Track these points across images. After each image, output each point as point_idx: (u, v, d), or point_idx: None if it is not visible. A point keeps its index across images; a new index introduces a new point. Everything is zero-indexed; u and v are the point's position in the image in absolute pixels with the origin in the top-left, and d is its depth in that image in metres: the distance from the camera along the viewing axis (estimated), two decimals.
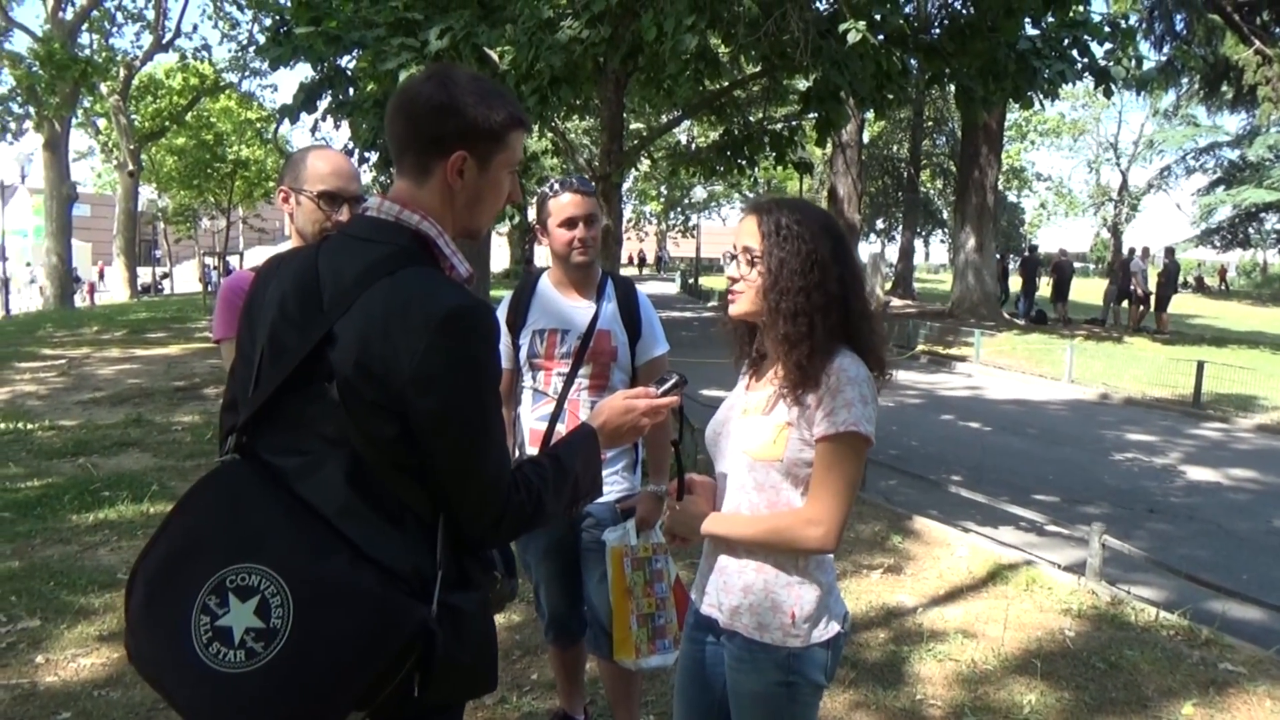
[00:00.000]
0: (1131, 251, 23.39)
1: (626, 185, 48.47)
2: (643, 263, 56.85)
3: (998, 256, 24.73)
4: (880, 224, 39.19)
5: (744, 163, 9.57)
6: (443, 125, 1.43)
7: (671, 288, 39.65)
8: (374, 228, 1.45)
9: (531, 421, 2.82)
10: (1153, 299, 20.60)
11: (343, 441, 1.35)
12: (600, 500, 2.71)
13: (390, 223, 1.45)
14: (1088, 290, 23.60)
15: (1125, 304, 21.16)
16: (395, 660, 1.29)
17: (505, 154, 1.49)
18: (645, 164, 30.84)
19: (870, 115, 19.70)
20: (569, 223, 2.75)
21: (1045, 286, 23.33)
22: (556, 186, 2.78)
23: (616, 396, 1.73)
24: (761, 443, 1.84)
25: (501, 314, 2.90)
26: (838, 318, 1.80)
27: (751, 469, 1.86)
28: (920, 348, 17.63)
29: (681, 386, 1.80)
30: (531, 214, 2.96)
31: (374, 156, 8.05)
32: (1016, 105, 7.82)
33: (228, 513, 1.33)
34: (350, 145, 8.16)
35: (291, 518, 1.32)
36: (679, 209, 55.09)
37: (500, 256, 42.85)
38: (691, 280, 37.52)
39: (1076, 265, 23.70)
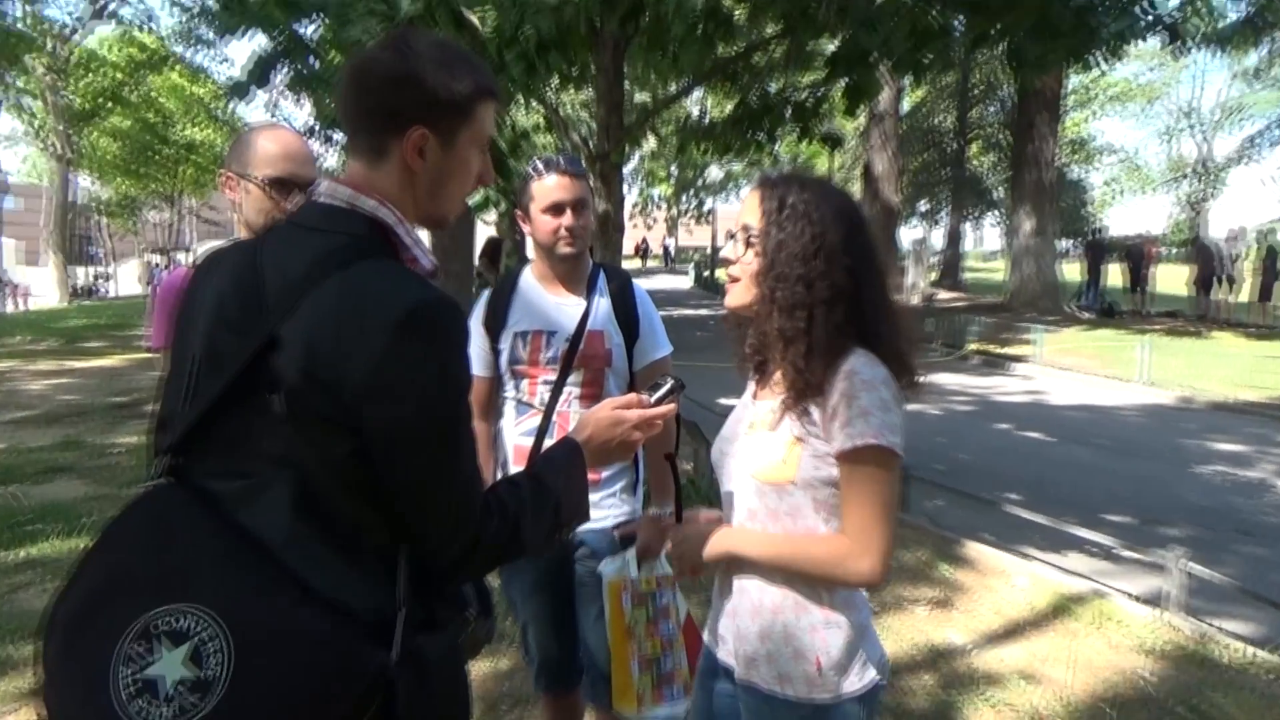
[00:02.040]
0: (1202, 234, 23.29)
1: (630, 165, 48.60)
2: (644, 253, 56.22)
3: (1081, 241, 24.61)
4: (924, 205, 39.12)
5: (763, 137, 9.57)
6: (399, 98, 1.43)
7: (683, 282, 39.66)
8: (324, 216, 1.46)
9: (515, 437, 2.82)
10: (1247, 286, 20.49)
11: (289, 462, 1.35)
12: (596, 526, 2.71)
13: (342, 209, 1.45)
14: (1164, 278, 23.50)
15: (1216, 292, 21.03)
16: (351, 714, 1.28)
17: (472, 129, 1.49)
18: (651, 141, 30.91)
19: (908, 81, 19.68)
20: (554, 208, 2.75)
21: (1119, 274, 23.22)
22: (540, 166, 2.78)
23: (603, 407, 1.73)
24: (769, 463, 1.83)
25: (478, 314, 2.90)
26: (846, 314, 1.79)
27: (761, 494, 1.85)
28: (971, 347, 17.59)
29: (678, 392, 1.80)
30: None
31: (338, 136, 8.09)
32: (1076, 68, 7.79)
33: (156, 545, 1.32)
34: (313, 124, 8.21)
35: (230, 550, 1.31)
36: (691, 191, 55.14)
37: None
38: (707, 273, 37.54)
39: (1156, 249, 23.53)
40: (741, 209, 1.91)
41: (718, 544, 1.90)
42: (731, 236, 1.90)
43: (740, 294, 1.88)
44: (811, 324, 1.77)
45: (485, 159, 1.55)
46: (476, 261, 12.43)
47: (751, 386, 2.03)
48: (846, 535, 1.77)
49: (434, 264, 1.52)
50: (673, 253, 59.42)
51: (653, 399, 1.77)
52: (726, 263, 1.91)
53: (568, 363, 2.77)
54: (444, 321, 1.36)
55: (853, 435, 1.72)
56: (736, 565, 1.91)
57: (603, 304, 2.84)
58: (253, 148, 2.34)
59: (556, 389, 2.77)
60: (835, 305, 1.78)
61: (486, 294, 2.96)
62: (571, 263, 2.81)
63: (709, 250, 48.37)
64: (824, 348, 1.77)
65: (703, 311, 24.90)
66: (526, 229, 2.86)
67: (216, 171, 2.50)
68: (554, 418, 2.77)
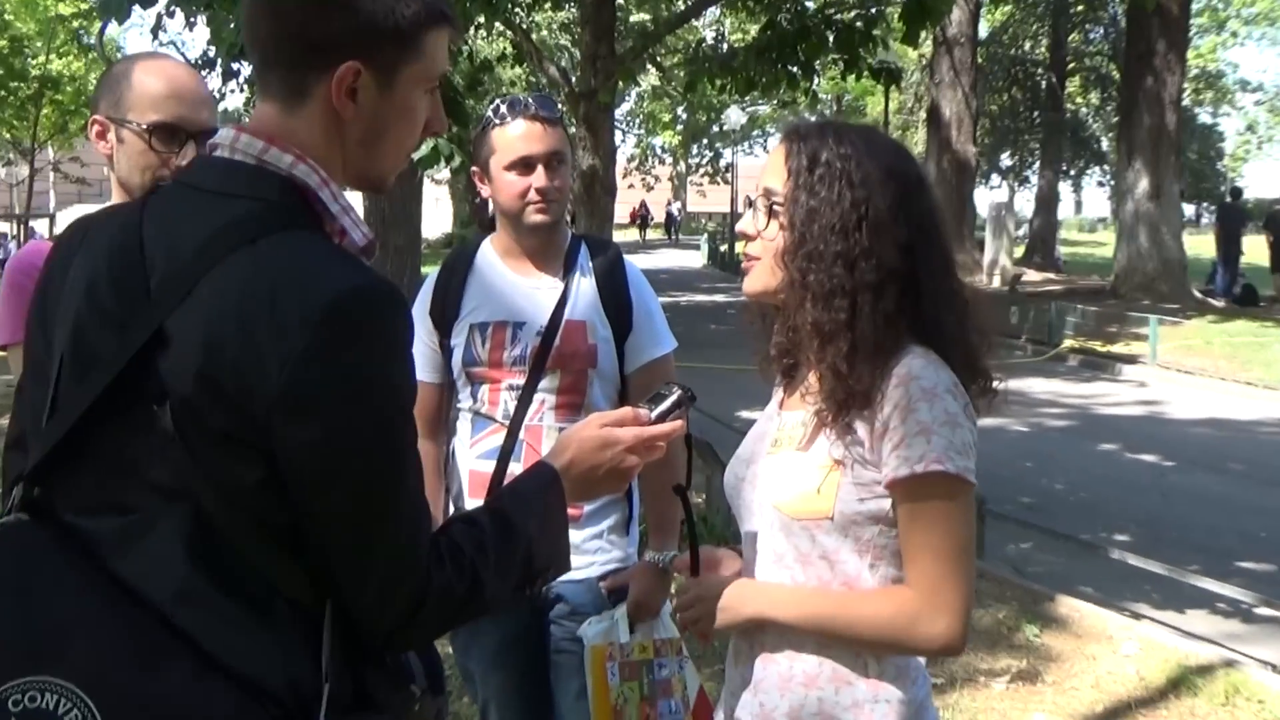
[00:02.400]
0: None
1: (624, 107, 48.51)
2: (643, 222, 55.68)
3: (1212, 205, 24.57)
4: (1007, 159, 39.20)
5: (797, 70, 9.57)
6: (325, 23, 1.44)
7: (693, 259, 39.64)
8: (225, 174, 1.46)
9: (472, 460, 2.83)
10: None
11: (181, 493, 1.36)
12: (577, 577, 2.71)
13: (250, 166, 1.45)
14: None
15: None
16: None
17: (419, 64, 1.50)
18: (652, 75, 30.92)
19: None
20: (521, 164, 2.76)
21: (1261, 249, 23.23)
22: (504, 110, 2.80)
23: (589, 424, 1.73)
24: (799, 492, 1.83)
25: (423, 301, 2.92)
26: (900, 303, 1.79)
27: (788, 531, 1.86)
28: (1068, 344, 17.59)
29: (687, 405, 1.80)
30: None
31: (247, 69, 8.10)
32: None
33: (10, 602, 1.33)
34: (210, 53, 8.22)
35: (106, 608, 1.32)
36: (704, 142, 55.08)
37: (438, 216, 42.89)
38: (723, 248, 37.55)
39: None
40: (764, 168, 1.91)
41: (742, 604, 1.90)
42: (751, 204, 1.91)
43: (762, 277, 1.89)
44: (855, 315, 1.78)
45: (435, 101, 1.56)
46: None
47: (778, 394, 2.04)
48: (912, 589, 1.77)
49: (368, 237, 1.52)
50: (679, 220, 58.89)
51: (653, 413, 1.77)
52: (744, 237, 1.92)
53: (539, 363, 2.78)
54: (380, 313, 1.37)
55: (910, 459, 1.73)
56: (759, 626, 1.92)
57: (585, 287, 2.85)
58: (131, 84, 2.34)
59: (525, 397, 2.78)
60: (885, 291, 1.78)
61: (433, 275, 2.97)
62: (544, 234, 2.83)
63: (727, 217, 48.32)
64: (871, 346, 1.78)
65: (719, 297, 24.87)
66: (485, 191, 2.88)
67: (86, 113, 2.52)
68: (522, 435, 2.78)
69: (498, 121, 2.79)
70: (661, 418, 1.77)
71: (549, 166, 2.77)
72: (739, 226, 1.93)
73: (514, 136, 2.77)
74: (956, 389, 1.78)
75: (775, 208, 1.85)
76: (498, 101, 2.86)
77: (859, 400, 1.78)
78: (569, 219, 2.96)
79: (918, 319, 1.81)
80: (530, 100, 2.82)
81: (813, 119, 2.07)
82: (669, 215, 58.19)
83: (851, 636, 1.82)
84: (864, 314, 1.78)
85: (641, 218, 55.61)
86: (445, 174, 15.42)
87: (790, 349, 1.94)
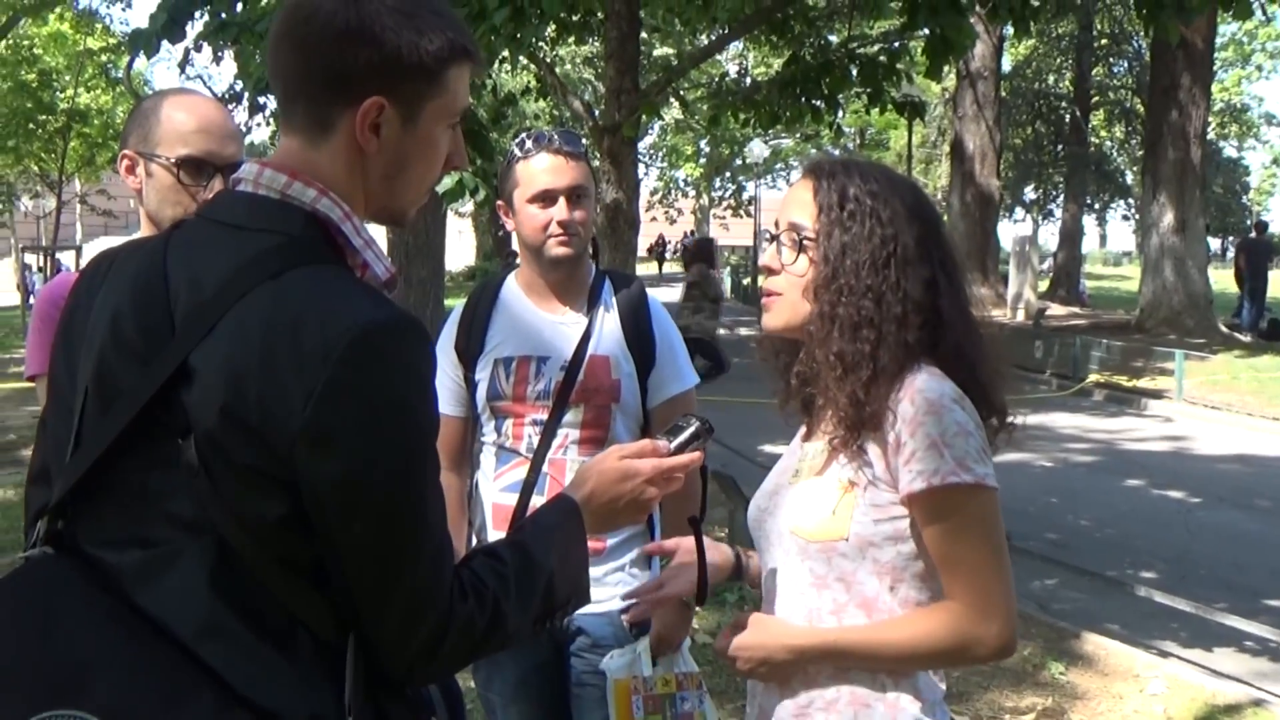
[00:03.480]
0: None
1: (648, 140, 48.65)
2: (661, 254, 55.18)
3: (1235, 239, 24.50)
4: (1031, 192, 39.18)
5: (821, 104, 9.59)
6: (350, 58, 1.45)
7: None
8: (249, 209, 1.47)
9: (495, 494, 2.84)
10: None
11: (204, 527, 1.36)
12: (599, 610, 2.71)
13: (273, 201, 1.46)
14: None
15: None
16: None
17: (442, 100, 1.51)
18: (675, 109, 31.02)
19: (1010, 31, 19.73)
20: (544, 197, 2.78)
21: None
22: (528, 144, 2.82)
23: (608, 456, 1.74)
24: (817, 518, 1.86)
25: (448, 335, 2.93)
26: (921, 335, 1.83)
27: (805, 555, 1.88)
28: (1092, 378, 17.51)
29: (705, 437, 1.81)
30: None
31: (273, 103, 8.17)
32: (1229, 14, 7.79)
33: (34, 635, 1.34)
34: (237, 87, 8.29)
35: (129, 642, 1.33)
36: (727, 175, 55.16)
37: (462, 249, 43.05)
38: (746, 281, 37.55)
39: None
40: (785, 203, 1.95)
41: (779, 639, 1.89)
42: (773, 239, 1.92)
43: (785, 312, 1.92)
44: (879, 345, 1.81)
45: (456, 136, 1.57)
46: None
47: (802, 426, 2.06)
48: (958, 602, 1.80)
49: (391, 271, 1.54)
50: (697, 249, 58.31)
51: (672, 445, 1.78)
52: (768, 272, 1.94)
53: (563, 397, 2.79)
54: (403, 346, 1.38)
55: (925, 474, 1.76)
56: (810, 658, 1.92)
57: (609, 322, 2.87)
58: (160, 119, 2.37)
59: (549, 431, 2.79)
60: (908, 322, 1.83)
61: (457, 310, 2.99)
62: (567, 268, 2.84)
63: (750, 250, 48.28)
64: (890, 374, 1.81)
65: (741, 331, 24.83)
66: (510, 224, 2.89)
67: (113, 146, 2.55)
68: (545, 468, 2.79)
69: (522, 155, 2.81)
70: (680, 449, 1.79)
71: (571, 200, 2.78)
72: (762, 261, 1.95)
73: (537, 170, 2.79)
74: (962, 399, 1.81)
75: (804, 243, 1.88)
76: (523, 136, 2.88)
77: (870, 422, 1.81)
78: (593, 252, 2.97)
79: (937, 350, 1.85)
80: (554, 134, 2.84)
81: (836, 154, 2.09)
82: (684, 246, 57.31)
83: (907, 661, 1.84)
84: (888, 344, 1.81)
85: (659, 250, 55.27)
86: (469, 207, 15.52)
87: (810, 379, 1.95)
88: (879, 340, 1.81)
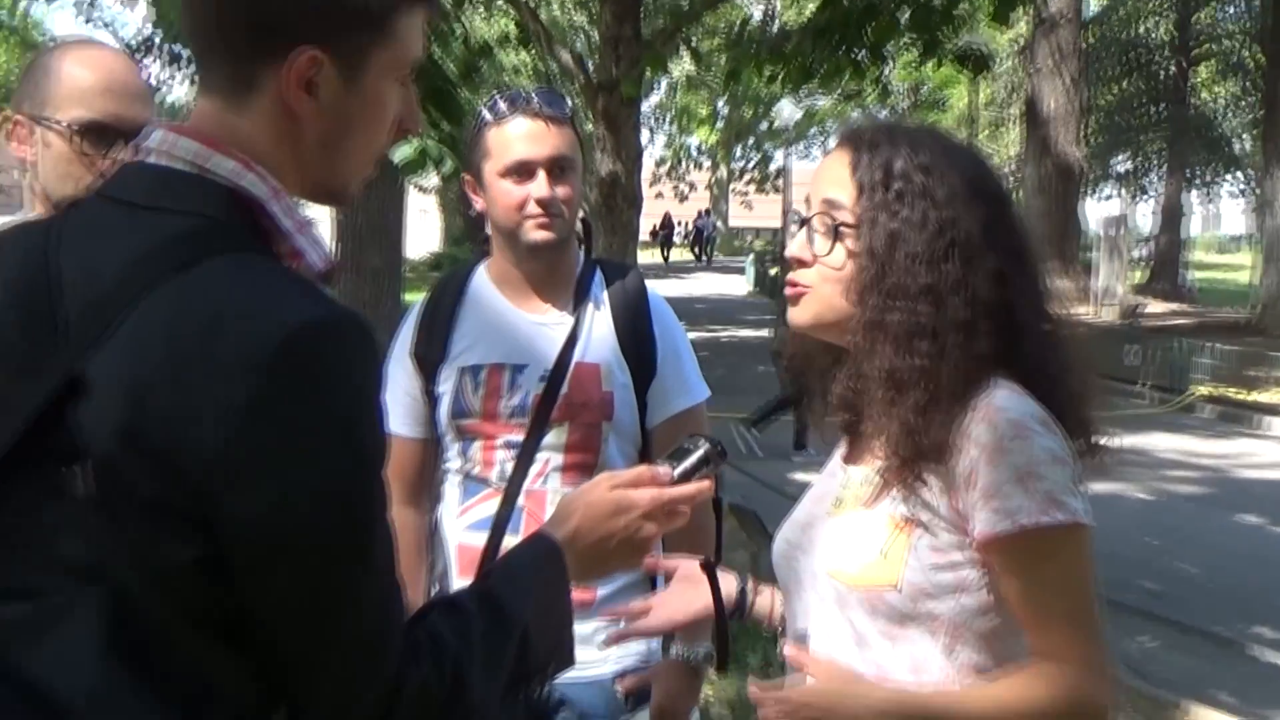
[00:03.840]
0: None
1: (652, 100, 48.68)
2: (666, 238, 54.30)
3: None
4: (1123, 163, 39.17)
5: (864, 55, 9.60)
6: (276, 2, 1.45)
7: (736, 285, 39.67)
8: (156, 185, 1.47)
9: (460, 532, 2.85)
10: None
11: (99, 574, 1.36)
12: (587, 676, 2.70)
13: (185, 175, 1.46)
14: None
15: None
16: None
17: (390, 50, 1.51)
18: (686, 61, 31.08)
19: None
20: (520, 170, 2.78)
21: None
22: (501, 106, 2.82)
23: (597, 484, 1.74)
24: (862, 560, 1.84)
25: (405, 338, 2.94)
26: (992, 343, 1.81)
27: (844, 604, 1.87)
28: (1198, 390, 17.52)
29: (717, 462, 1.80)
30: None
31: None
32: None
33: None
34: (151, 34, 8.30)
35: (5, 714, 1.32)
36: (750, 142, 55.15)
37: (425, 232, 43.08)
38: (774, 271, 37.58)
39: None
40: (818, 178, 1.94)
41: (863, 699, 1.84)
42: (803, 222, 1.91)
43: (815, 304, 1.90)
44: (941, 359, 1.80)
45: (409, 95, 1.57)
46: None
47: (842, 447, 2.06)
48: (1054, 661, 1.79)
49: (329, 260, 1.53)
50: (713, 236, 57.58)
51: (676, 472, 1.77)
52: (797, 265, 1.93)
53: (543, 414, 2.78)
54: (345, 352, 1.37)
55: (1009, 512, 1.74)
56: None
57: (599, 322, 2.87)
58: (56, 76, 2.37)
59: (525, 456, 2.79)
60: (977, 329, 1.81)
61: (416, 307, 2.99)
62: (548, 256, 2.84)
63: (778, 234, 48.22)
64: (955, 394, 1.80)
65: (766, 332, 24.90)
66: (478, 203, 2.90)
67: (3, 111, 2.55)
68: (521, 501, 2.79)
69: (493, 120, 2.81)
70: (685, 477, 1.77)
71: (553, 173, 2.78)
72: (788, 251, 1.94)
73: (512, 137, 2.78)
74: (1050, 420, 1.80)
75: (840, 228, 1.86)
76: (494, 96, 2.88)
77: (933, 451, 1.79)
78: (582, 235, 2.96)
79: (1011, 361, 1.83)
80: (533, 94, 2.84)
81: (880, 118, 2.08)
82: (698, 231, 57.09)
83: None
84: (951, 357, 1.80)
85: (663, 234, 54.53)
86: (434, 181, 15.50)
87: (854, 400, 1.94)
88: (940, 352, 1.80)
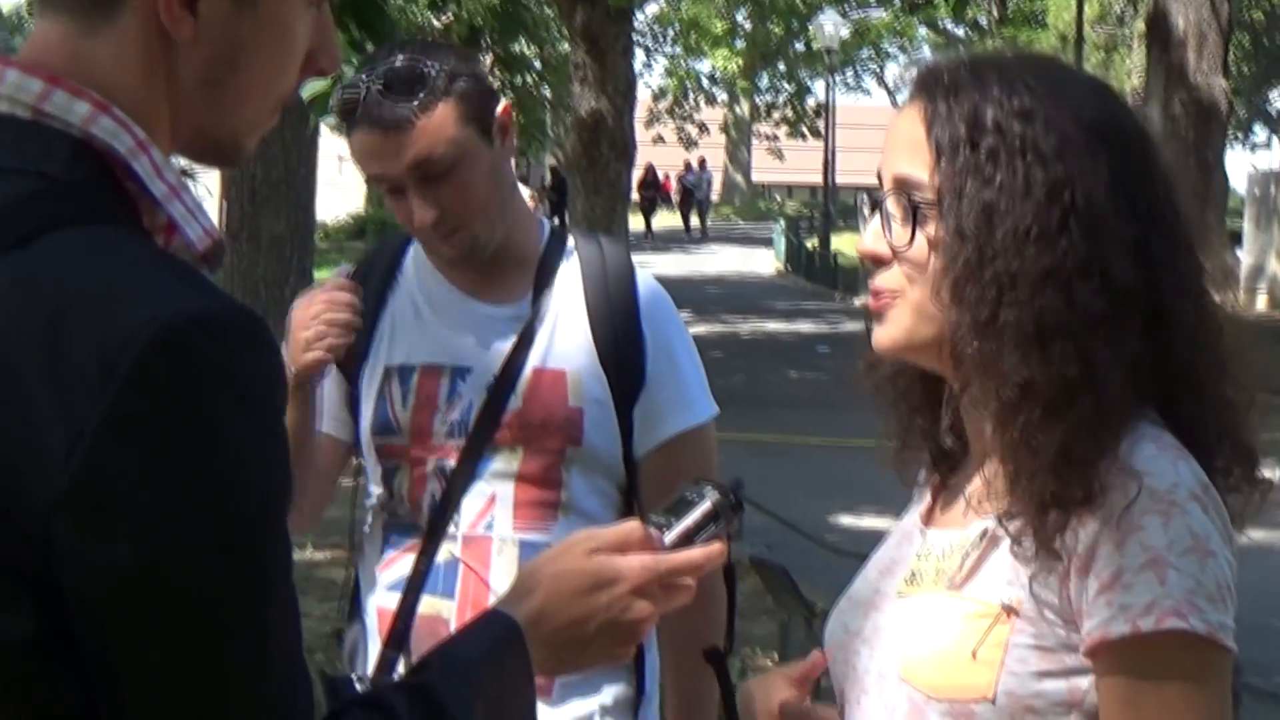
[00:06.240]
0: None
1: (650, 10, 48.38)
2: (652, 200, 52.84)
3: None
4: (1278, 100, 39.25)
5: None
6: None
7: (761, 260, 39.65)
8: None
9: (381, 594, 2.86)
10: None
11: None
12: None
13: (19, 123, 1.47)
14: None
15: None
16: None
17: None
18: None
19: None
20: (388, 188, 2.83)
21: None
22: (340, 111, 2.85)
23: (570, 546, 1.75)
24: (944, 656, 1.84)
25: None
26: (1139, 346, 1.80)
27: (920, 715, 1.86)
28: None
29: (728, 517, 1.80)
30: None
31: None
32: None
33: None
34: None
35: None
36: (781, 69, 54.94)
37: (344, 191, 43.04)
38: (811, 243, 37.56)
39: None
40: (889, 144, 1.91)
41: None
42: (875, 207, 1.89)
43: (906, 319, 1.88)
44: (1090, 371, 1.77)
45: (324, 20, 1.58)
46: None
47: (923, 500, 2.06)
48: None
49: (213, 235, 1.53)
50: (705, 196, 56.33)
51: (674, 532, 1.76)
52: (875, 261, 1.90)
53: (484, 432, 2.79)
54: (229, 355, 1.37)
55: (1131, 609, 1.73)
56: None
57: (567, 315, 2.88)
58: None
59: (457, 485, 2.79)
60: (1124, 327, 1.78)
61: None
62: (476, 259, 2.88)
63: (819, 192, 48.08)
64: (1107, 417, 1.77)
65: (803, 325, 24.87)
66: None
67: None
68: (456, 551, 2.79)
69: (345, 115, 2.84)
70: (688, 537, 1.76)
71: (423, 184, 2.77)
72: (862, 245, 1.92)
73: (358, 153, 2.82)
74: (1209, 494, 1.77)
75: (922, 209, 1.84)
76: (339, 86, 2.94)
77: (1073, 501, 1.76)
78: (551, 199, 2.97)
79: (1157, 377, 1.81)
80: (373, 84, 2.78)
81: (959, 52, 2.02)
82: (685, 190, 55.69)
83: None
84: (1102, 366, 1.77)
85: (649, 196, 52.66)
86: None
87: (953, 442, 1.95)
88: (1088, 359, 1.76)
